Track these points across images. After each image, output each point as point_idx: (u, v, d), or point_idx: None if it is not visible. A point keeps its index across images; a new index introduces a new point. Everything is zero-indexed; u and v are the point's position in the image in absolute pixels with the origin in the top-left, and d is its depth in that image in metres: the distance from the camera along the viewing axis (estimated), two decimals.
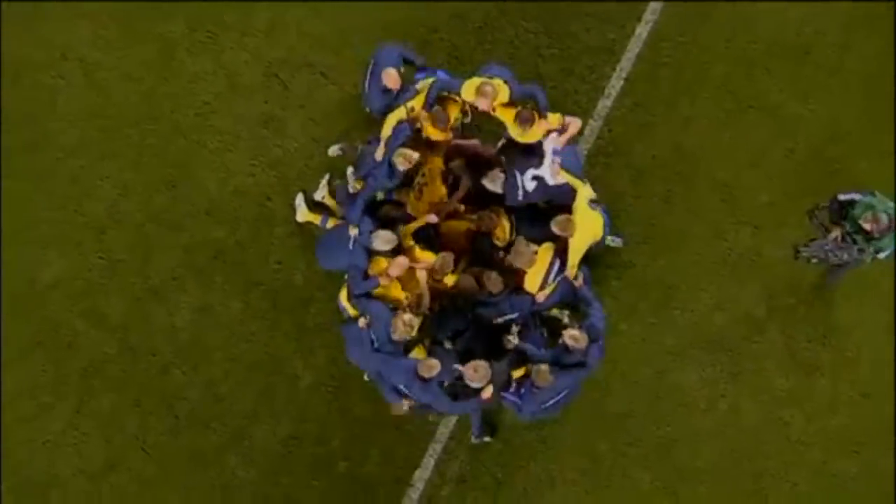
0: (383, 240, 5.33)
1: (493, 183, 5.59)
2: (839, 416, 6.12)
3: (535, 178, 5.42)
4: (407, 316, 5.24)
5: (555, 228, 5.36)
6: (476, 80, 5.41)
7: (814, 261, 5.95)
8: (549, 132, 5.41)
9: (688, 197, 6.32)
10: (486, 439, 6.08)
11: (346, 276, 5.51)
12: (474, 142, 5.91)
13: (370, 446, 6.11)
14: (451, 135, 5.54)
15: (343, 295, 5.53)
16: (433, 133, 5.43)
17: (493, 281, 5.46)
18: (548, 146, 5.41)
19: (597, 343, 5.29)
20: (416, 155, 5.32)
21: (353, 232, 5.35)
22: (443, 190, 5.70)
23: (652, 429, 6.18)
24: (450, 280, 5.51)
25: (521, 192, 5.46)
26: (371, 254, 5.34)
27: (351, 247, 5.36)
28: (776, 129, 6.35)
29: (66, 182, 6.21)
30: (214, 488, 6.09)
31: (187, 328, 6.15)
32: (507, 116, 5.43)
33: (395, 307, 5.35)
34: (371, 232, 5.32)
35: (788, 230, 6.22)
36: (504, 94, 5.36)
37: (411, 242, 5.53)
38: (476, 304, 5.54)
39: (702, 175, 6.34)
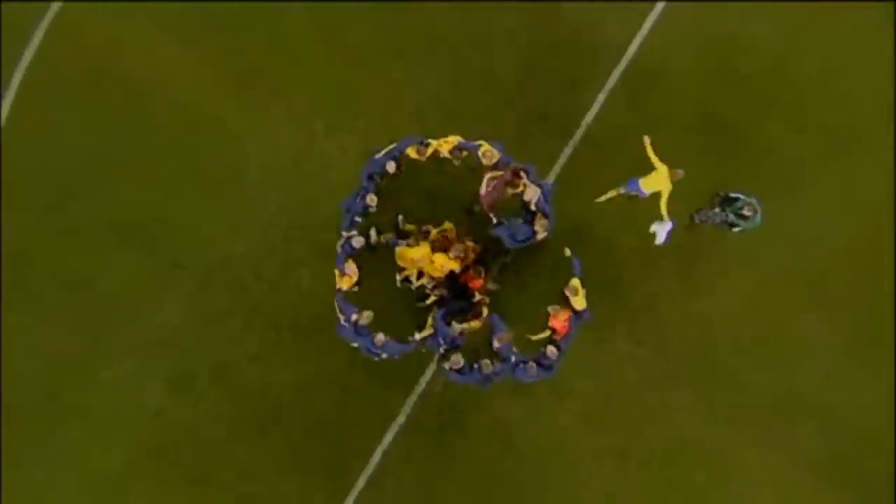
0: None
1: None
2: (660, 361, 10.96)
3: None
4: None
5: (567, 292, 9.63)
6: (486, 146, 9.81)
7: (698, 221, 10.59)
8: None
9: (580, 240, 11.15)
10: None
11: None
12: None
13: None
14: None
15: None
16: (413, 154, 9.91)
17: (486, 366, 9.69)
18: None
19: (563, 352, 9.62)
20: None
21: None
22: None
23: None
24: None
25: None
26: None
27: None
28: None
29: (248, 204, 11.28)
30: (310, 373, 11.17)
31: (306, 284, 11.06)
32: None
33: None
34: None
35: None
36: (495, 158, 9.80)
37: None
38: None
39: (596, 231, 11.26)
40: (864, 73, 11.43)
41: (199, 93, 11.40)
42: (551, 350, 9.62)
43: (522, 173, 9.88)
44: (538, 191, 9.87)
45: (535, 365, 9.65)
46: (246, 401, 11.06)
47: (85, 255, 11.09)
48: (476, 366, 9.71)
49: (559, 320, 9.66)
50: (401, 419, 11.06)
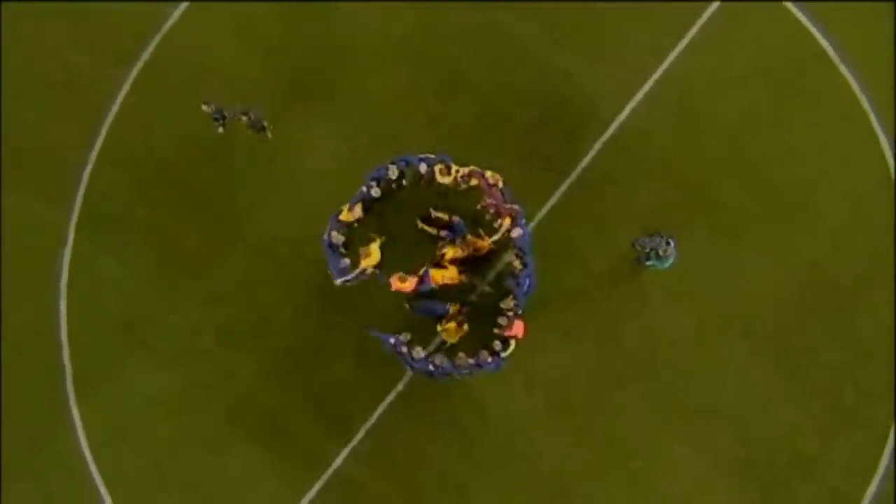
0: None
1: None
2: (615, 364, 13.47)
3: None
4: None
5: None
6: (492, 172, 13.03)
7: (638, 248, 13.00)
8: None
9: (561, 260, 14.00)
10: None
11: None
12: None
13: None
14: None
15: None
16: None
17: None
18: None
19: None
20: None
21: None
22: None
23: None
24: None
25: None
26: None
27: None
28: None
29: (298, 198, 14.03)
30: (332, 339, 13.85)
31: None
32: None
33: None
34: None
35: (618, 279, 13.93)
36: (500, 181, 12.84)
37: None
38: None
39: (574, 254, 13.97)
40: (809, 152, 13.96)
41: (268, 106, 14.18)
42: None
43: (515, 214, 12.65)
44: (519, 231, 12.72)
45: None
46: (276, 354, 13.73)
47: (168, 221, 13.92)
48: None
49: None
50: (400, 387, 13.65)
